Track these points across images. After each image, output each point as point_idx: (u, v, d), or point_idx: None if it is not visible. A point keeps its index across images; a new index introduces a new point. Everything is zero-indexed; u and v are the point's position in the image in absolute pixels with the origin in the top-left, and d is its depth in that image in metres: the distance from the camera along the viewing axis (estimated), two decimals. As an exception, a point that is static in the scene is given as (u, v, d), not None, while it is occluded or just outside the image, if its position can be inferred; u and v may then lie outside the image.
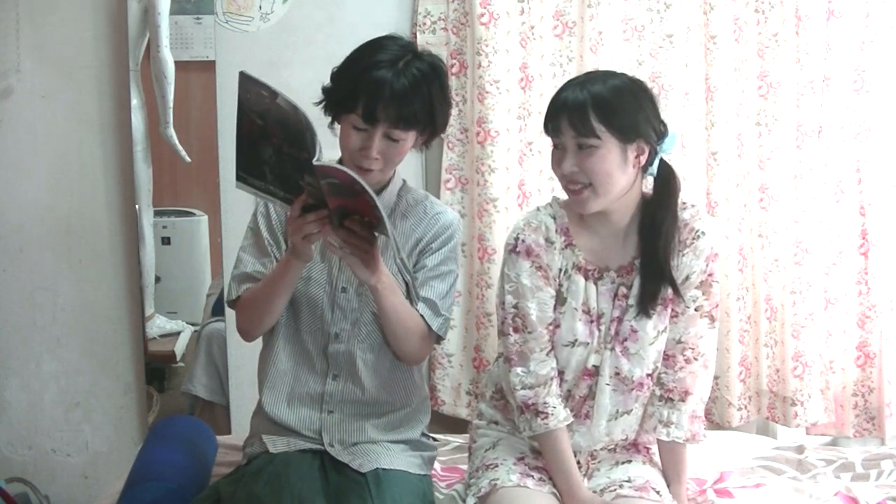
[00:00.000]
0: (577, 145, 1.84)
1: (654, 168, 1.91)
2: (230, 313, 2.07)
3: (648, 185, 1.95)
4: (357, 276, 1.82)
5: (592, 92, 1.84)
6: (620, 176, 1.86)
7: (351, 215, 1.72)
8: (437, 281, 1.98)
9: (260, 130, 1.70)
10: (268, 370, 2.01)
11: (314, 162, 1.64)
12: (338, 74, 1.91)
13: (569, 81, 1.92)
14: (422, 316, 1.95)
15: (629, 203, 1.92)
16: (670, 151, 1.93)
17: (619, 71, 1.97)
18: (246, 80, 1.67)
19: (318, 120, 1.97)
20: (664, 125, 1.91)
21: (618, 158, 1.84)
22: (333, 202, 1.70)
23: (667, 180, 1.93)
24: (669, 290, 1.92)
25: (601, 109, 1.82)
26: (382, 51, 1.87)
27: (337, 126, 1.95)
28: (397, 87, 1.83)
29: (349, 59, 1.91)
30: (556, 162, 1.89)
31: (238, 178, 1.74)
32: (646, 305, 1.92)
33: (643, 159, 1.89)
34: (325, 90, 1.93)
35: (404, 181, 2.05)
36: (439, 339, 2.01)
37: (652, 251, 1.91)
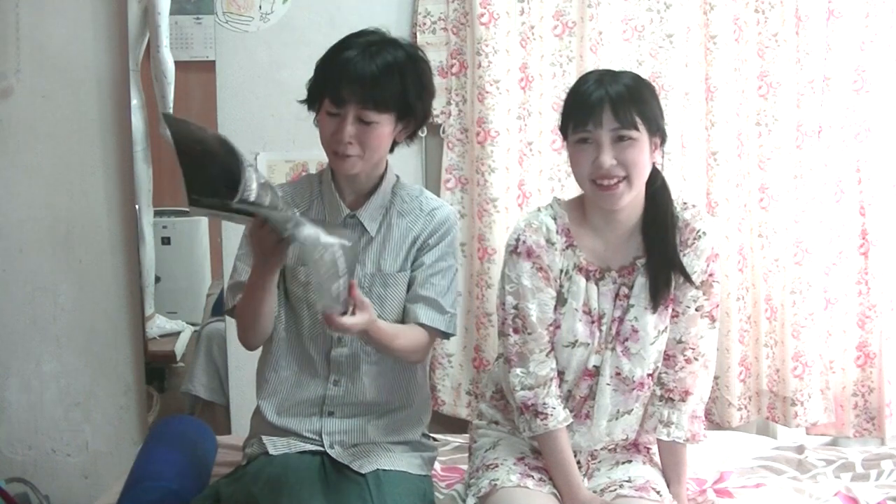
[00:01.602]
0: (617, 137, 1.84)
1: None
2: (230, 313, 2.07)
3: None
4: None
5: (626, 84, 1.86)
6: (649, 169, 1.88)
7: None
8: (438, 277, 1.97)
9: (202, 152, 1.65)
10: (268, 376, 2.00)
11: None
12: (316, 65, 1.92)
13: (590, 81, 1.89)
14: (422, 325, 1.93)
15: (639, 200, 1.93)
16: None
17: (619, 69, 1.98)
18: (170, 120, 1.65)
19: (306, 119, 1.98)
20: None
21: (648, 151, 1.87)
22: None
23: (656, 175, 1.94)
24: (681, 279, 1.93)
25: (636, 101, 1.84)
26: (358, 37, 1.89)
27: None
28: (364, 69, 1.83)
29: (329, 48, 1.91)
30: (587, 158, 1.86)
31: (191, 202, 1.65)
32: (658, 297, 1.92)
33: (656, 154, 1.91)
34: (307, 85, 1.93)
35: (398, 177, 2.03)
36: (447, 335, 2.00)
37: (660, 244, 1.92)
